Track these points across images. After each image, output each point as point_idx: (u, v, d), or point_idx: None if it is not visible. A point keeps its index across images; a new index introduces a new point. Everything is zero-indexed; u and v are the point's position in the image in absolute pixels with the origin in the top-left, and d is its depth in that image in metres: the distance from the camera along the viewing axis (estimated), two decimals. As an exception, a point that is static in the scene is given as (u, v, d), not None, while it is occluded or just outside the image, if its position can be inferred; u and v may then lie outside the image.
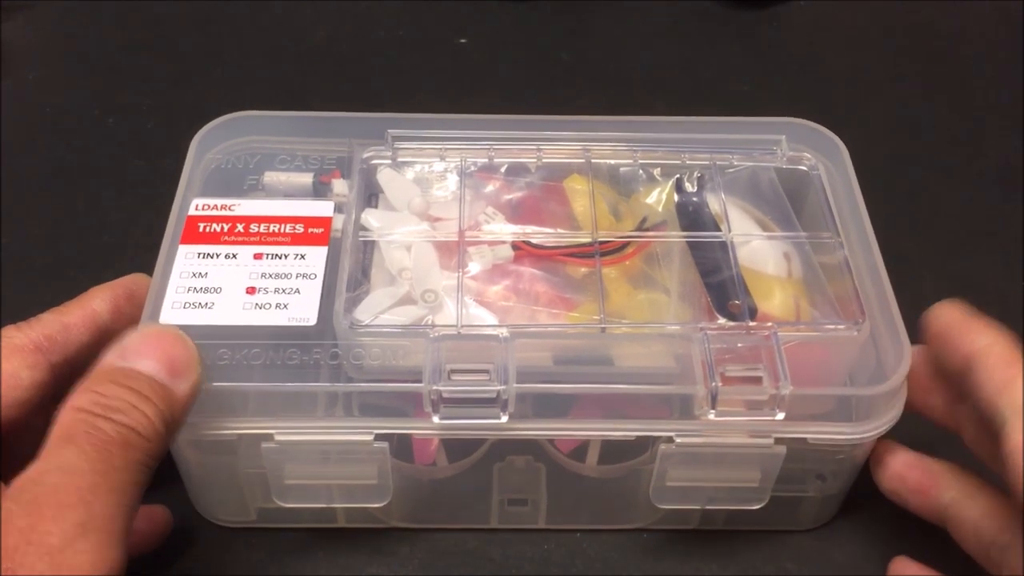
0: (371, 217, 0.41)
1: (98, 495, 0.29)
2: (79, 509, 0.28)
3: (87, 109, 0.60)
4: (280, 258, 0.39)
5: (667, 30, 0.67)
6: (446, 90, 0.62)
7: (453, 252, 0.40)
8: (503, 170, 0.44)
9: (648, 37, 0.67)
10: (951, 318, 0.35)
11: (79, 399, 0.31)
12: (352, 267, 0.39)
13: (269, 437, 0.36)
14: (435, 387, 0.35)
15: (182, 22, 0.67)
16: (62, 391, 0.32)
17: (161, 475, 0.41)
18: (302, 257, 0.39)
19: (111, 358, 0.33)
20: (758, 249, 0.41)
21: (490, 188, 0.43)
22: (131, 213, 0.54)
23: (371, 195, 0.43)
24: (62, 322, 0.35)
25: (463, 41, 0.66)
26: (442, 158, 0.44)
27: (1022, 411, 0.32)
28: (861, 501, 0.42)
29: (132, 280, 0.38)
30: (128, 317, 0.37)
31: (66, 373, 0.35)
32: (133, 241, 0.52)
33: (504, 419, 0.36)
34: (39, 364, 0.34)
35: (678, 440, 0.37)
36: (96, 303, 0.36)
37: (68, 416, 0.30)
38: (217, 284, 0.38)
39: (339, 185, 0.43)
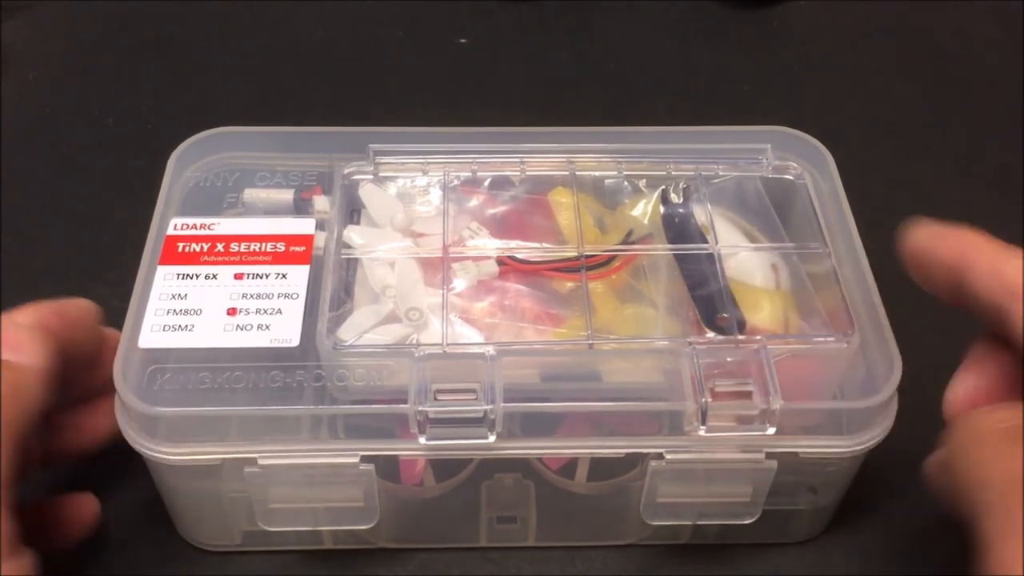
0: (353, 234, 0.41)
1: None
2: None
3: (87, 109, 0.60)
4: (261, 278, 0.39)
5: (667, 30, 0.67)
6: (446, 91, 0.62)
7: (437, 268, 0.39)
8: (487, 184, 0.43)
9: (648, 37, 0.67)
10: (925, 232, 0.33)
11: None
12: (335, 286, 0.38)
13: (252, 461, 0.36)
14: (421, 408, 0.35)
15: (182, 22, 0.66)
16: None
17: (143, 499, 0.41)
18: (283, 276, 0.39)
19: None
20: (746, 261, 0.41)
21: (474, 202, 0.43)
22: (131, 213, 0.53)
23: (353, 211, 0.42)
24: None
25: (463, 41, 0.65)
26: (425, 172, 0.43)
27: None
28: (853, 514, 0.42)
29: (70, 301, 0.37)
30: (55, 334, 0.35)
31: None
32: (133, 241, 0.52)
33: (491, 439, 0.35)
34: None
35: (668, 456, 0.36)
36: (19, 316, 0.35)
37: None
38: (197, 306, 0.38)
39: (320, 202, 0.42)
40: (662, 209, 0.43)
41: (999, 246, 0.31)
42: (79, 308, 0.37)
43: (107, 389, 0.36)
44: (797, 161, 0.44)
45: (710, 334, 0.38)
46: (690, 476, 0.37)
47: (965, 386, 0.33)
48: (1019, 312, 0.29)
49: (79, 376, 0.36)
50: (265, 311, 0.38)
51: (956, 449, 0.30)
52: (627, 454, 0.37)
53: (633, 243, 0.41)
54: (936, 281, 0.32)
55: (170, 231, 0.40)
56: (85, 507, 0.39)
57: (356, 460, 0.36)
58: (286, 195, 0.42)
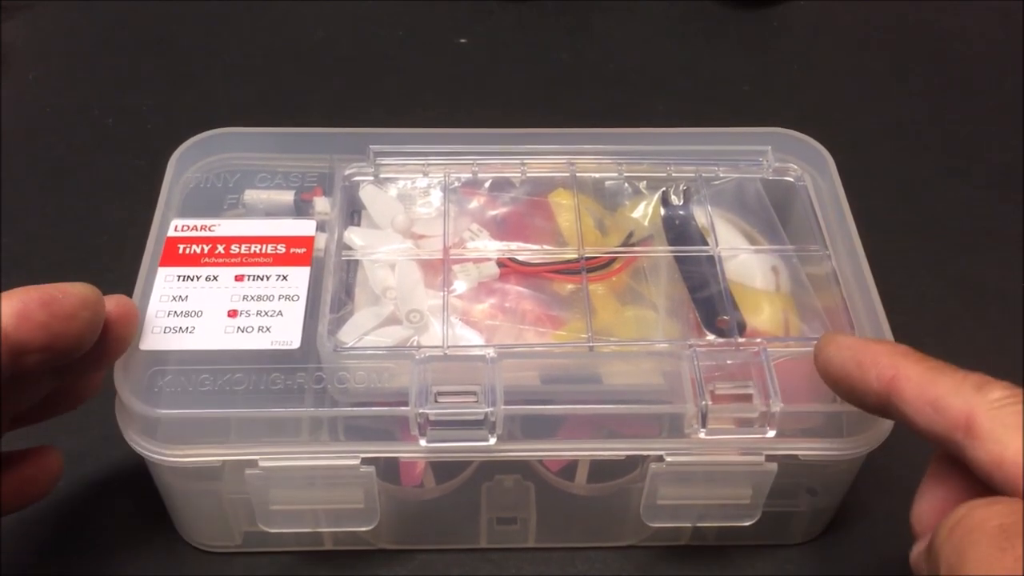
0: (354, 235, 0.41)
1: None
2: None
3: (87, 109, 0.60)
4: (262, 280, 0.39)
5: (667, 30, 0.67)
6: (446, 91, 0.62)
7: (438, 270, 0.40)
8: (487, 185, 0.43)
9: (648, 37, 0.67)
10: (844, 355, 0.31)
11: None
12: (335, 287, 0.39)
13: (253, 463, 0.36)
14: (421, 410, 0.35)
15: (182, 22, 0.66)
16: None
17: (144, 500, 0.41)
18: (284, 278, 0.39)
19: None
20: (746, 263, 0.41)
21: (474, 204, 0.43)
22: (131, 213, 0.53)
23: (353, 212, 0.42)
24: None
25: (463, 41, 0.65)
26: (425, 174, 0.43)
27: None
28: (853, 515, 0.42)
29: (63, 290, 0.33)
30: (39, 325, 0.31)
31: None
32: (133, 242, 0.52)
33: (492, 441, 0.35)
34: None
35: (668, 459, 0.36)
36: (2, 303, 0.31)
37: None
38: (198, 308, 0.38)
39: (321, 203, 0.42)
40: (662, 211, 0.43)
41: (927, 371, 0.29)
42: (72, 297, 0.33)
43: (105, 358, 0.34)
44: (797, 163, 0.44)
45: (710, 336, 0.38)
46: (690, 478, 0.37)
47: (932, 499, 0.30)
48: (971, 446, 0.27)
49: (77, 358, 0.33)
50: (266, 313, 0.38)
51: (945, 544, 0.27)
52: (627, 456, 0.37)
53: (633, 245, 0.41)
54: (865, 404, 0.31)
55: (171, 232, 0.40)
56: (48, 461, 0.36)
57: (357, 462, 0.36)
58: (287, 196, 0.42)
